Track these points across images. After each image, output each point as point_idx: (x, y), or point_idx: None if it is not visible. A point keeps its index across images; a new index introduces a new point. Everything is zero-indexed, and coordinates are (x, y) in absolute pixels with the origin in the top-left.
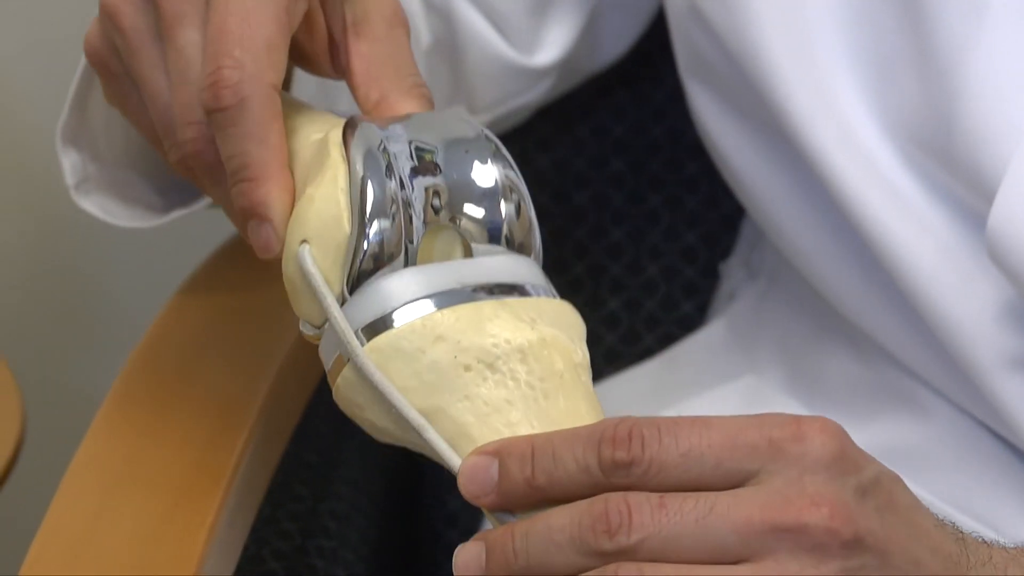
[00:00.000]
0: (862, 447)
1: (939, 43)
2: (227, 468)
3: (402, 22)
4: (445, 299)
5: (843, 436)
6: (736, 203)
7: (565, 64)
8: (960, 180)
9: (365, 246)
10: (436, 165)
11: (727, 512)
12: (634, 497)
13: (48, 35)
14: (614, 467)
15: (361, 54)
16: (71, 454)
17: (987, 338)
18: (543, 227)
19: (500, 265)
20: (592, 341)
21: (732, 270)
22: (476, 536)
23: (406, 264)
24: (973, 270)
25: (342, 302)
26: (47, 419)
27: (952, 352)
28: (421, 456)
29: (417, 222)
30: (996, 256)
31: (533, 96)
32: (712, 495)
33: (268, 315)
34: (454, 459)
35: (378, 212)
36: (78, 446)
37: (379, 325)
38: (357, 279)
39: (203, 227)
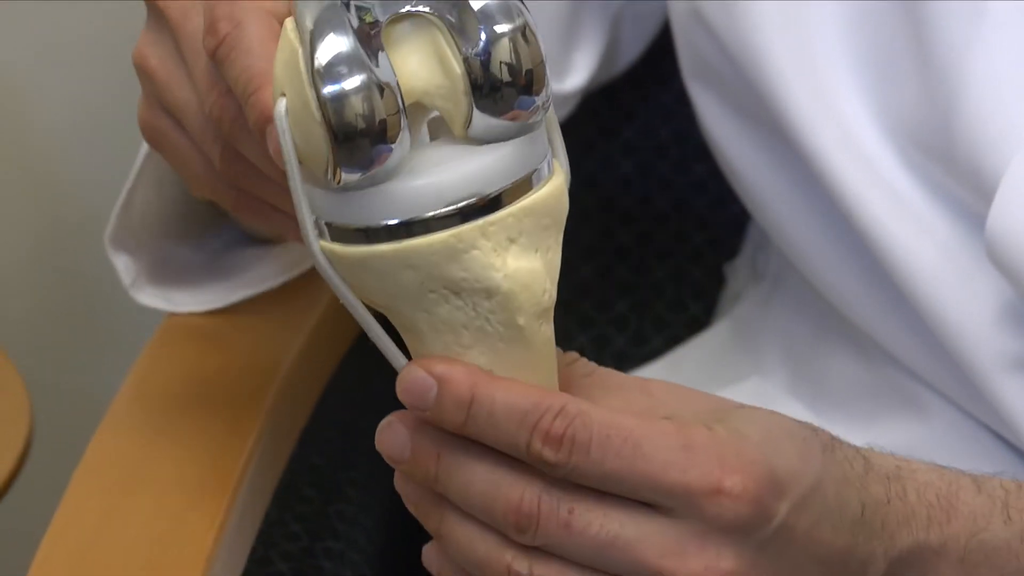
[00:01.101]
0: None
1: (939, 46)
2: (235, 471)
3: None
4: (422, 226)
5: (758, 491)
6: (743, 205)
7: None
8: (960, 181)
9: (324, 99)
10: (376, 23)
11: (626, 547)
12: (546, 505)
13: (60, 39)
14: (539, 460)
15: None
16: (79, 456)
17: (987, 339)
18: None
19: (496, 164)
20: (601, 343)
21: (738, 271)
22: (402, 418)
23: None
24: (973, 271)
25: (335, 178)
26: (55, 421)
27: (952, 353)
28: None
29: (395, 95)
30: (995, 257)
31: (560, 117)
32: (617, 524)
33: (276, 320)
34: (399, 358)
35: (329, 68)
36: (86, 448)
37: (352, 235)
38: (342, 148)
39: None
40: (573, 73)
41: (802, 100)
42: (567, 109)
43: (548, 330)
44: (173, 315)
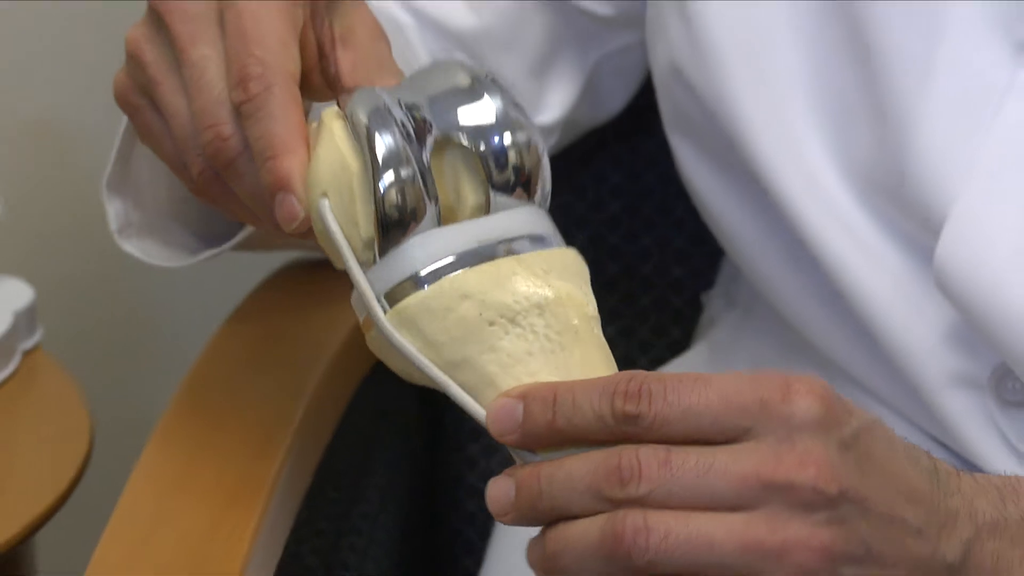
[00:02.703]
0: None
1: (890, 97)
2: (269, 477)
3: (384, 36)
4: (467, 259)
5: (827, 394)
6: (718, 242)
7: (567, 122)
8: (910, 219)
9: (381, 195)
10: (426, 121)
11: (724, 469)
12: (644, 453)
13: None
14: (625, 418)
15: (349, 60)
16: (133, 464)
17: (934, 359)
18: None
19: (513, 219)
20: None
21: (713, 300)
22: (506, 472)
23: (438, 224)
24: (921, 298)
25: (375, 259)
26: (112, 434)
27: (903, 372)
28: (440, 459)
29: (431, 180)
30: (943, 286)
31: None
32: (711, 452)
33: (305, 341)
34: (478, 410)
35: (388, 164)
36: (139, 457)
37: (408, 287)
38: (387, 232)
39: (248, 265)
40: (546, 110)
41: (769, 148)
42: (550, 142)
43: (600, 334)
44: (216, 339)
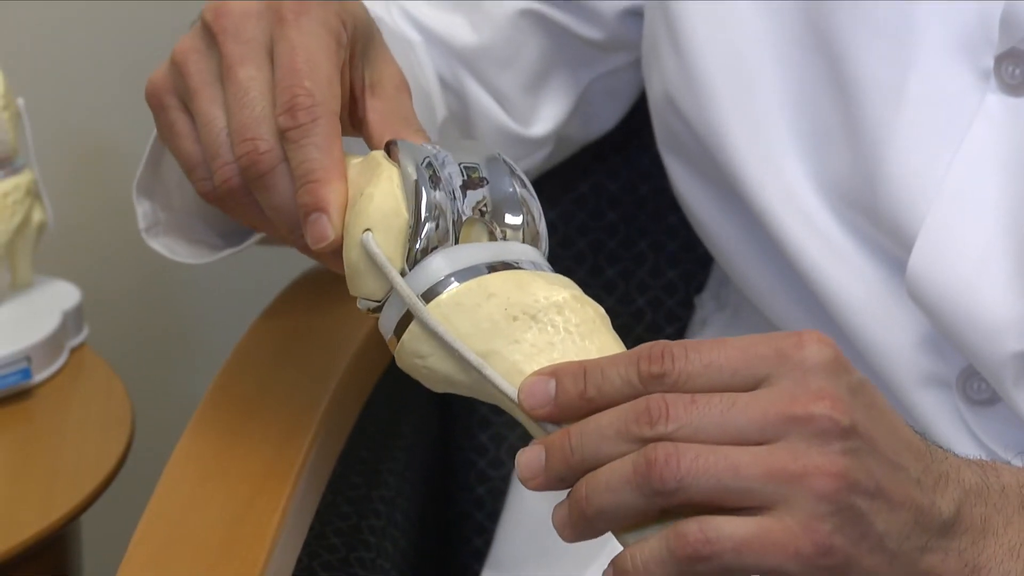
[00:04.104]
0: None
1: (864, 121)
2: (296, 463)
3: (407, 87)
4: (490, 269)
5: (835, 345)
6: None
7: (559, 136)
8: (883, 233)
9: (421, 234)
10: (483, 180)
11: (746, 406)
12: (671, 395)
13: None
14: (651, 378)
15: (376, 108)
16: (171, 451)
17: (906, 361)
18: (553, 265)
19: (525, 250)
20: None
21: (705, 302)
22: (534, 442)
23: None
24: (894, 306)
25: (402, 274)
26: (152, 424)
27: (877, 372)
28: (453, 447)
29: (460, 226)
30: (915, 295)
31: (532, 162)
32: (733, 394)
33: (329, 339)
34: (510, 389)
35: (430, 211)
36: (176, 445)
37: (440, 287)
38: (415, 261)
39: (277, 268)
40: (538, 123)
41: (753, 168)
42: (544, 152)
43: (612, 330)
44: (247, 336)
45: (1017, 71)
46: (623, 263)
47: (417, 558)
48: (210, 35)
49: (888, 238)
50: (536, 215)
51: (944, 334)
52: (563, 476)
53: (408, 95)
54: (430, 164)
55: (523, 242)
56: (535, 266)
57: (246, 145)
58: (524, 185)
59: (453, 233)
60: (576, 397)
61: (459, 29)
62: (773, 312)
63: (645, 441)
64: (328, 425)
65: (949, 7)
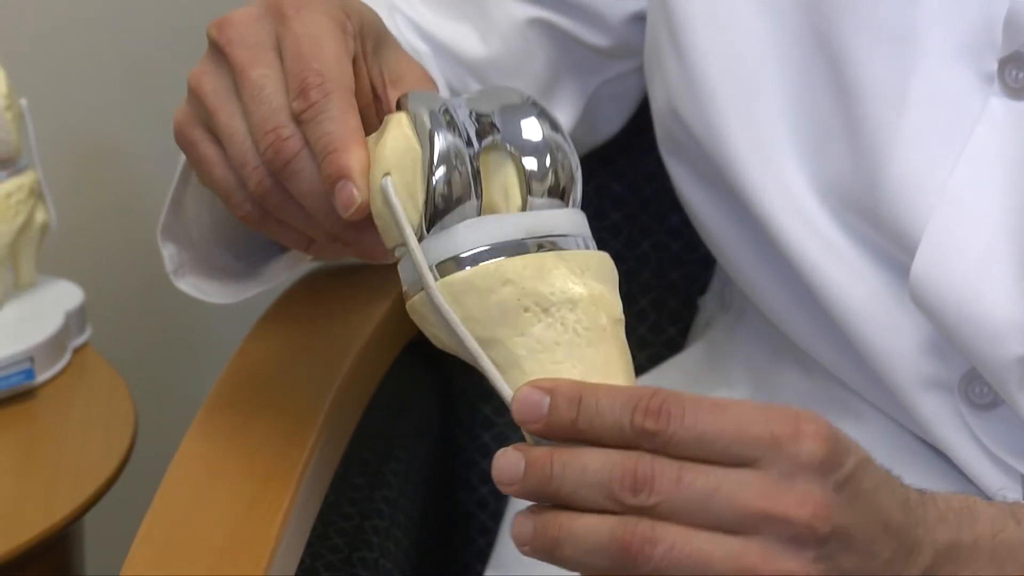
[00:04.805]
0: None
1: (865, 125)
2: (299, 464)
3: (430, 80)
4: (514, 248)
5: (831, 435)
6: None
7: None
8: (885, 236)
9: (434, 183)
10: (494, 126)
11: (729, 494)
12: (660, 465)
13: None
14: (642, 433)
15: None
16: (174, 451)
17: (908, 364)
18: None
19: (556, 218)
20: None
21: (708, 303)
22: (516, 446)
23: (479, 213)
24: (896, 309)
25: (421, 236)
26: (155, 424)
27: (880, 374)
28: (455, 447)
29: (478, 177)
30: (917, 299)
31: None
32: (720, 474)
33: (332, 340)
34: (504, 387)
35: (444, 157)
36: (179, 445)
37: (456, 263)
38: (433, 215)
39: None
40: None
41: (754, 173)
42: None
43: (624, 338)
44: (250, 338)
45: (1021, 75)
46: (626, 264)
47: (420, 558)
48: (218, 50)
49: (889, 241)
50: (562, 160)
51: (947, 338)
52: (537, 496)
53: (434, 86)
54: (447, 112)
55: (552, 185)
56: (564, 240)
57: (268, 137)
58: (555, 128)
59: (473, 185)
60: (567, 423)
61: (467, 40)
62: (775, 314)
63: (623, 505)
64: (331, 425)
65: (952, 10)
